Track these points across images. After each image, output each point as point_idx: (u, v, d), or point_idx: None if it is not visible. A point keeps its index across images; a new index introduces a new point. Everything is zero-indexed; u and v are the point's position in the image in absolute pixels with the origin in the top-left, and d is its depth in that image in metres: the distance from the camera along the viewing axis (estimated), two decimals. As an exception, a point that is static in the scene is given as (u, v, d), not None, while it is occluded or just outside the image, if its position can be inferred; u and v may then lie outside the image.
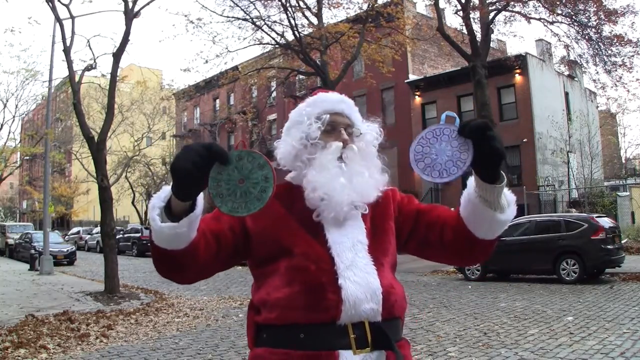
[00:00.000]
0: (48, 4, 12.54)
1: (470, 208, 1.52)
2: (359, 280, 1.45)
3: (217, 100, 39.07)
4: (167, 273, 1.48)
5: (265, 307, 1.48)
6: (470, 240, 1.56)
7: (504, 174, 1.45)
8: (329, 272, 1.46)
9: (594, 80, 19.28)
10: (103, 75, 15.31)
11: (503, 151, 1.37)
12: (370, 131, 1.66)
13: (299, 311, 1.43)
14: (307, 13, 20.16)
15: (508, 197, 1.51)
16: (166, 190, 1.36)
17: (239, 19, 20.22)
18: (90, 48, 13.75)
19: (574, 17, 17.86)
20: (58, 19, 12.88)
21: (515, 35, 41.02)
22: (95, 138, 12.51)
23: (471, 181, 1.49)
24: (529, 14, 18.27)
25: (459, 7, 17.73)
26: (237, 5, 19.71)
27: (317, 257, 1.48)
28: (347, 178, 1.52)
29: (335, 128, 1.60)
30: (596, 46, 17.98)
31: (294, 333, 1.43)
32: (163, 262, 1.43)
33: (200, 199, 1.36)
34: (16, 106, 30.49)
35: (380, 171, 1.62)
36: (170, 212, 1.34)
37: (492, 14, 17.78)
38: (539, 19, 18.34)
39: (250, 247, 1.55)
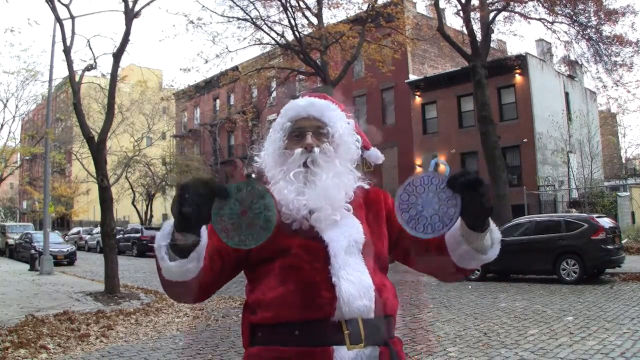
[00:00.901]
0: (48, 4, 12.54)
1: (454, 244, 1.53)
2: (352, 278, 1.48)
3: (217, 100, 39.07)
4: (178, 298, 1.57)
5: (261, 307, 1.51)
6: (451, 265, 1.58)
7: (489, 221, 1.45)
8: (323, 270, 1.48)
9: (598, 78, 19.26)
10: (103, 76, 15.31)
11: (492, 208, 1.39)
12: (344, 129, 1.64)
13: (293, 309, 1.45)
14: (307, 13, 20.18)
15: (494, 235, 1.51)
16: (168, 226, 1.39)
17: (238, 18, 20.23)
18: (91, 48, 13.75)
19: (574, 17, 17.86)
20: (58, 19, 12.88)
21: (515, 35, 41.04)
22: (96, 138, 12.51)
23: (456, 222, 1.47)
24: (529, 14, 18.29)
25: (459, 8, 17.74)
26: (237, 5, 19.73)
27: (310, 256, 1.50)
28: (302, 185, 1.54)
29: (302, 134, 1.61)
30: (596, 46, 17.98)
31: (289, 330, 1.46)
32: (174, 291, 1.49)
33: (204, 229, 1.38)
34: (16, 106, 30.49)
35: (350, 171, 1.62)
36: (176, 246, 1.37)
37: (492, 14, 17.79)
38: (539, 19, 18.36)
39: (249, 256, 1.56)
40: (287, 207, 1.52)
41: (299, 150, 1.58)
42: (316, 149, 1.58)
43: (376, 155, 1.79)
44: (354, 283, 1.47)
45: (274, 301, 1.48)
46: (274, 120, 1.72)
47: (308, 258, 1.50)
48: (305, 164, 1.57)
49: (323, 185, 1.53)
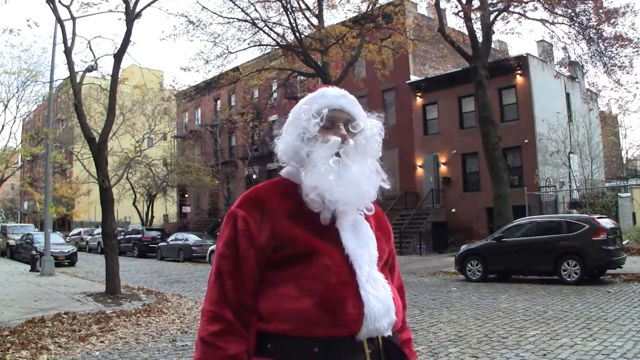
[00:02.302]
0: (49, 5, 12.55)
1: None
2: (378, 294, 1.44)
3: (218, 101, 39.08)
4: None
5: (277, 317, 1.42)
6: None
7: None
8: (350, 285, 1.42)
9: (598, 79, 19.31)
10: (104, 77, 15.33)
11: None
12: (371, 127, 1.60)
13: (316, 324, 1.38)
14: (308, 14, 20.19)
15: None
16: None
17: (239, 19, 20.25)
18: (91, 49, 13.70)
19: (574, 17, 17.85)
20: (59, 20, 12.90)
21: (514, 33, 40.71)
22: (97, 139, 12.52)
23: None
24: (529, 14, 18.30)
25: (460, 8, 17.75)
26: (237, 7, 19.75)
27: (337, 268, 1.44)
28: (338, 175, 1.47)
29: (333, 124, 1.55)
30: (596, 47, 17.96)
31: (308, 346, 1.38)
32: None
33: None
34: (17, 107, 30.54)
35: (377, 170, 1.57)
36: None
37: (492, 15, 17.79)
38: (539, 20, 18.35)
39: (275, 252, 1.47)
40: (321, 196, 1.45)
41: (336, 138, 1.51)
42: (351, 141, 1.52)
43: None
44: (379, 299, 1.43)
45: (296, 313, 1.40)
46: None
47: (335, 269, 1.43)
48: (337, 154, 1.50)
49: (355, 178, 1.49)
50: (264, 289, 1.47)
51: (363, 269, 1.45)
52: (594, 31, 17.77)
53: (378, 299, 1.42)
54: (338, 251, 1.46)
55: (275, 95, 29.35)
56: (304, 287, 1.41)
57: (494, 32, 18.50)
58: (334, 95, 1.59)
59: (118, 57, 12.47)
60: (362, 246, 1.49)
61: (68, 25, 13.01)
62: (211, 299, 1.47)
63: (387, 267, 1.62)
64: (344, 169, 1.49)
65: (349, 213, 1.50)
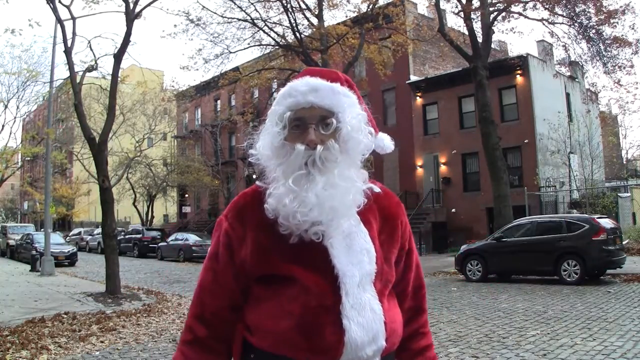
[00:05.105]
0: (49, 5, 12.55)
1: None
2: (363, 321, 1.33)
3: (218, 101, 39.09)
4: None
5: (258, 332, 1.38)
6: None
7: None
8: (331, 310, 1.33)
9: (598, 79, 19.31)
10: (103, 77, 15.32)
11: None
12: (350, 120, 1.38)
13: (294, 347, 1.32)
14: (308, 14, 20.20)
15: None
16: None
17: (239, 19, 20.26)
18: (91, 49, 13.71)
19: (574, 17, 17.85)
20: (59, 20, 12.89)
21: (514, 32, 40.44)
22: (97, 139, 12.51)
23: None
24: (529, 14, 18.32)
25: (460, 8, 17.76)
26: (237, 6, 19.76)
27: (319, 290, 1.34)
28: (299, 196, 1.32)
29: (304, 125, 1.36)
30: (597, 47, 17.96)
31: None
32: None
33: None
34: (17, 107, 30.52)
35: (357, 172, 1.40)
36: None
37: (492, 15, 17.79)
38: (539, 20, 18.35)
39: (248, 271, 1.42)
40: (287, 219, 1.33)
41: (300, 147, 1.33)
42: (319, 147, 1.33)
43: (383, 144, 1.52)
44: (364, 327, 1.32)
45: (274, 332, 1.34)
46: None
47: (317, 292, 1.33)
48: (306, 164, 1.34)
49: (325, 194, 1.32)
50: (251, 302, 1.44)
51: (350, 294, 1.33)
52: (593, 31, 17.76)
53: (362, 327, 1.32)
54: (324, 271, 1.34)
55: (275, 95, 29.37)
56: (284, 308, 1.35)
57: (494, 32, 18.51)
58: (301, 92, 1.38)
59: (118, 57, 12.47)
60: (354, 263, 1.35)
61: (68, 25, 13.04)
62: (191, 311, 1.49)
63: (398, 266, 1.50)
64: (308, 187, 1.33)
65: (336, 228, 1.35)
